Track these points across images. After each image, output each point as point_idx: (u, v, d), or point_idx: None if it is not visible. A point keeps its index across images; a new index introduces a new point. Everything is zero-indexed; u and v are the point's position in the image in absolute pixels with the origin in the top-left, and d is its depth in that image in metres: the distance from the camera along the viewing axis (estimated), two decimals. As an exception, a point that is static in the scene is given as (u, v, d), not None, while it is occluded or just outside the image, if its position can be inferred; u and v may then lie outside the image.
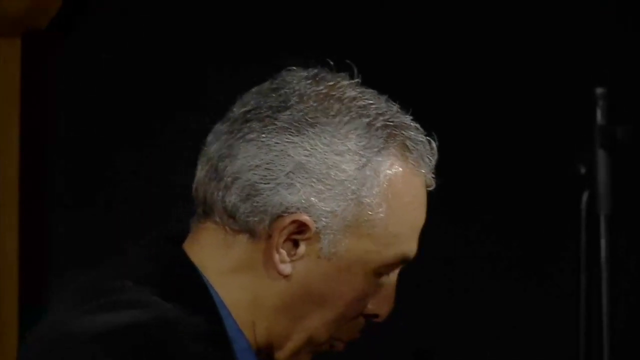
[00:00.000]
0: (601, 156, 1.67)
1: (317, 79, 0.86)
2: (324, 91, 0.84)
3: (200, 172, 0.86)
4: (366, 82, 0.87)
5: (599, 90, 1.70)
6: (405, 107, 0.86)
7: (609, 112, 1.69)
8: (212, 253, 0.84)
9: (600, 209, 1.68)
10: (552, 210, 1.96)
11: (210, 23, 2.56)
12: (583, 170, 1.69)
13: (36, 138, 2.45)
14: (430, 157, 0.87)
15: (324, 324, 0.86)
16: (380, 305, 0.90)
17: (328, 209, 0.81)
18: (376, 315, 0.90)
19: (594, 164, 1.67)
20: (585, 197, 1.68)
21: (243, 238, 0.83)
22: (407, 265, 0.88)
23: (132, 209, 2.60)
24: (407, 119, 0.86)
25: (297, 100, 0.83)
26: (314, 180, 0.81)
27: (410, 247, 0.87)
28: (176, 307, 0.78)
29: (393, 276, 0.89)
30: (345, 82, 0.86)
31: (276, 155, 0.81)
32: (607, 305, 1.71)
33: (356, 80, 0.87)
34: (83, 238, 2.59)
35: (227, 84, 2.57)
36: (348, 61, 0.87)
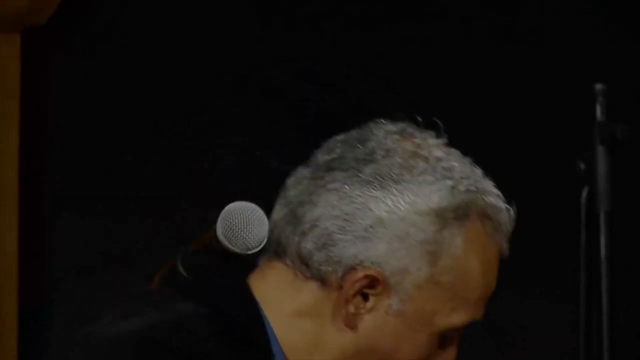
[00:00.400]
0: (601, 153, 1.67)
1: (405, 135, 0.86)
2: (410, 149, 0.84)
3: (278, 214, 0.87)
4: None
5: (599, 87, 1.69)
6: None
7: (609, 108, 1.68)
8: (278, 293, 0.85)
9: (599, 206, 1.67)
10: (551, 207, 1.95)
11: (212, 17, 2.56)
12: (583, 167, 1.68)
13: (36, 134, 2.45)
14: (508, 226, 0.87)
15: None
16: None
17: (402, 267, 0.81)
18: None
19: (593, 161, 1.66)
20: (584, 193, 1.68)
21: (313, 285, 0.83)
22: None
23: (134, 209, 2.60)
24: (490, 185, 0.87)
25: (383, 154, 0.83)
26: (392, 236, 0.81)
27: (476, 312, 0.87)
28: (227, 337, 0.80)
29: (455, 339, 0.89)
30: (432, 141, 0.86)
31: (357, 208, 0.81)
32: (606, 302, 1.70)
33: (443, 139, 0.87)
34: (83, 238, 2.59)
35: (227, 84, 2.57)
36: (436, 119, 0.88)
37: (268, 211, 1.35)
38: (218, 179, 2.54)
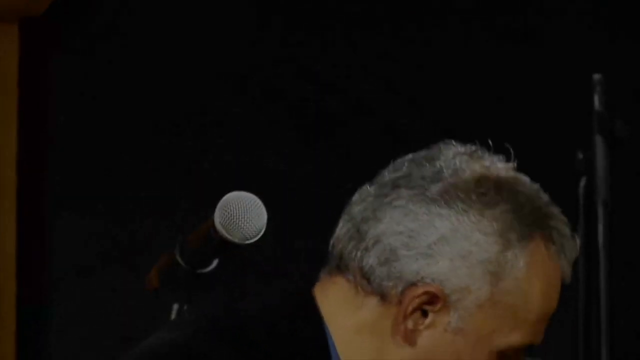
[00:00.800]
0: (599, 142, 1.67)
1: (474, 156, 0.86)
2: (479, 170, 0.84)
3: (341, 230, 0.87)
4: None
5: (597, 77, 1.70)
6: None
7: (607, 98, 1.69)
8: (340, 309, 0.85)
9: (597, 195, 1.67)
10: (549, 196, 1.95)
11: (212, 16, 2.57)
12: (581, 156, 1.69)
13: (35, 130, 2.45)
14: (572, 253, 0.88)
15: None
16: None
17: (462, 285, 0.82)
18: None
19: (591, 150, 1.66)
20: (582, 183, 1.68)
21: (373, 300, 0.84)
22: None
23: (134, 209, 2.60)
24: (556, 210, 0.87)
25: (451, 173, 0.83)
26: (454, 254, 0.81)
27: (536, 334, 0.87)
28: (290, 348, 0.81)
29: (516, 358, 0.89)
30: (501, 165, 0.86)
31: (421, 225, 0.81)
32: (605, 290, 1.70)
33: (512, 164, 0.87)
34: (83, 238, 2.59)
35: (227, 84, 2.58)
36: (507, 145, 0.89)
37: (268, 210, 1.35)
38: (218, 179, 2.54)
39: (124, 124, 2.58)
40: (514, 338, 0.85)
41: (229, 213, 1.38)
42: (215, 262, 1.47)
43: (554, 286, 0.87)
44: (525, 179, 0.88)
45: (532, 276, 0.84)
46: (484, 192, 0.83)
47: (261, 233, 1.39)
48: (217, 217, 1.37)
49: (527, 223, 0.83)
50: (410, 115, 2.51)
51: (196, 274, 1.45)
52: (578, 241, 0.88)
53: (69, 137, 2.55)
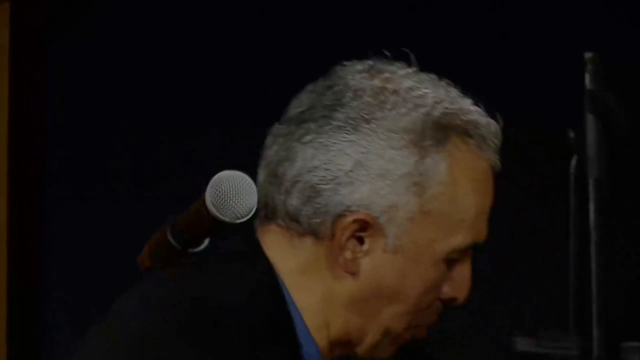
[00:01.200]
0: (590, 121, 1.68)
1: (372, 72, 0.84)
2: (379, 85, 0.82)
3: (261, 176, 0.86)
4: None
5: (588, 55, 1.70)
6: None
7: (598, 77, 1.69)
8: (280, 256, 0.84)
9: (589, 173, 1.68)
10: (541, 174, 1.96)
11: (213, 15, 2.54)
12: (572, 135, 1.69)
13: (26, 110, 2.43)
14: (494, 139, 0.86)
15: (399, 316, 0.85)
16: (456, 290, 0.88)
17: (389, 204, 0.80)
18: (454, 299, 0.90)
19: (582, 129, 1.67)
20: (574, 161, 1.69)
21: (308, 240, 0.82)
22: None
23: (134, 206, 2.58)
24: (467, 103, 0.84)
25: (351, 96, 0.81)
26: (373, 176, 0.79)
27: (477, 232, 0.85)
28: (249, 306, 0.79)
29: (465, 260, 0.88)
30: (402, 72, 0.84)
31: (334, 155, 0.79)
32: (596, 267, 1.71)
33: (413, 68, 0.85)
34: (78, 224, 2.59)
35: (229, 67, 2.56)
36: (405, 49, 0.85)
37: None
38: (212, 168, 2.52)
39: (117, 105, 2.56)
40: (455, 241, 0.83)
41: (220, 192, 1.37)
42: (206, 242, 1.47)
43: (483, 180, 0.85)
44: (430, 79, 0.85)
45: (457, 177, 0.82)
46: (389, 106, 0.81)
47: (252, 212, 1.39)
48: (209, 196, 1.37)
49: (439, 125, 0.82)
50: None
51: (187, 254, 1.45)
52: (499, 123, 0.86)
53: (61, 119, 2.53)
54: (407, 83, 0.83)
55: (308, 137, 0.81)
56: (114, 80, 2.53)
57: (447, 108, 0.82)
